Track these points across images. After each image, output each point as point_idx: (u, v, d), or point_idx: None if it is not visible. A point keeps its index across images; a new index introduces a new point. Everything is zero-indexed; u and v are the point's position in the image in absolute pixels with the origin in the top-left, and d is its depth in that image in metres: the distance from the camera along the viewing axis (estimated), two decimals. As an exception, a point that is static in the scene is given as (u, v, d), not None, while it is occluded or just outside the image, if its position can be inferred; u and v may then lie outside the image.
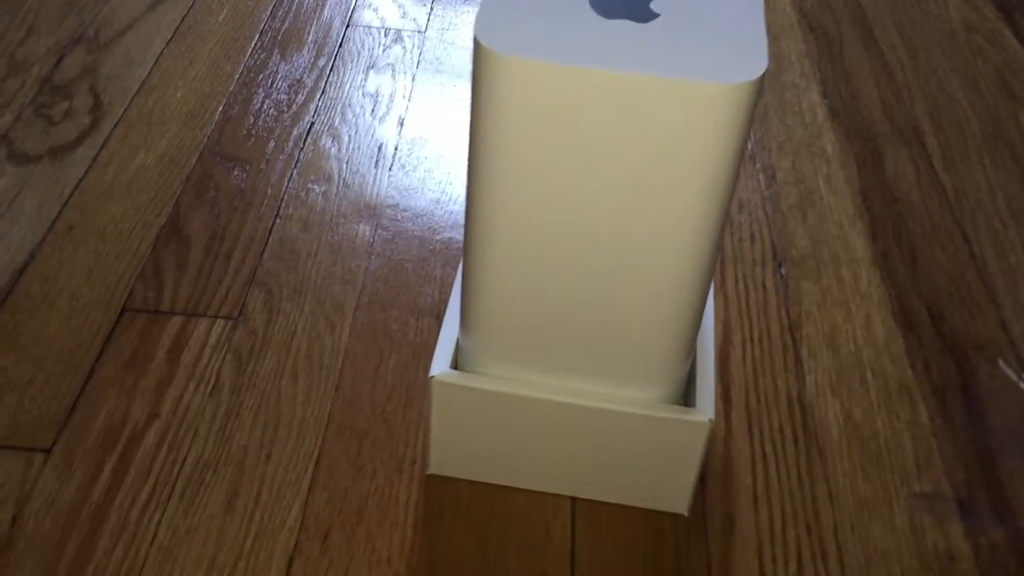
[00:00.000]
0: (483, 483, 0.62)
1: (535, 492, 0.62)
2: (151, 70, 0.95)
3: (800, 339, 0.74)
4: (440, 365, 0.58)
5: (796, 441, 0.67)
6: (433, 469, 0.62)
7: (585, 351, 0.56)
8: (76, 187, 0.81)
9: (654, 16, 0.47)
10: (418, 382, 0.68)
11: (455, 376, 0.58)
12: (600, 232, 0.51)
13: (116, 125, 0.88)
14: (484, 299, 0.55)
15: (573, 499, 0.62)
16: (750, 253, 0.82)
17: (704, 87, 0.44)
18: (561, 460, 0.60)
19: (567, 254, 0.51)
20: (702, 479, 0.64)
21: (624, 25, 0.46)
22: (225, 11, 1.04)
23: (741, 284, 0.79)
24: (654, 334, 0.54)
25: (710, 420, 0.56)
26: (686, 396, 0.60)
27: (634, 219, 0.50)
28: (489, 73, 0.46)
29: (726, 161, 0.47)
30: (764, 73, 0.45)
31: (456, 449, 0.61)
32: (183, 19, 1.02)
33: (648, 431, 0.57)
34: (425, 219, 0.82)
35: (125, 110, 0.90)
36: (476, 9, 1.08)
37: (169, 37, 1.00)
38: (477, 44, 0.46)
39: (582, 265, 0.52)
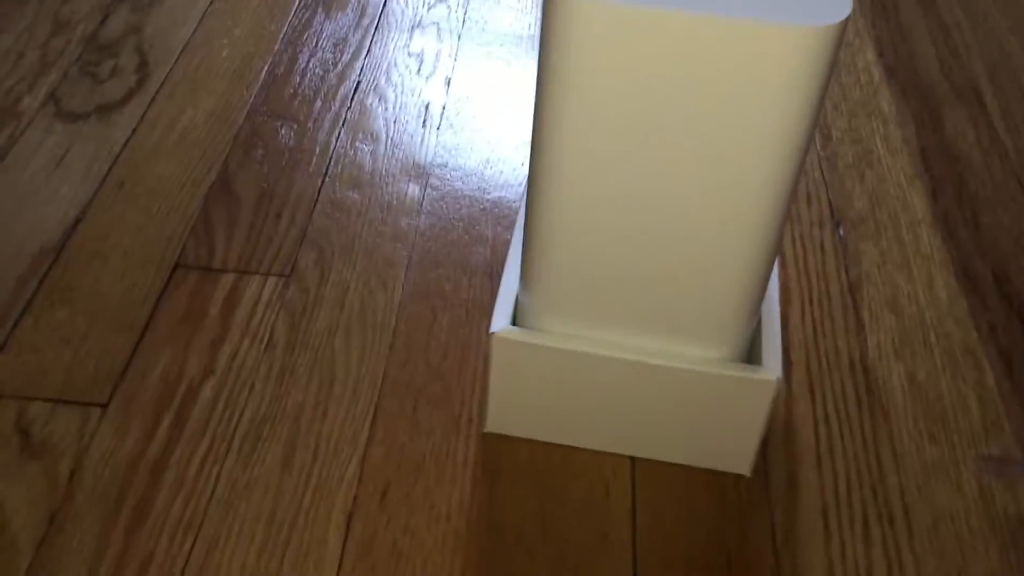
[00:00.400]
0: (541, 442, 0.62)
1: (594, 451, 0.61)
2: (195, 29, 0.94)
3: (861, 300, 0.73)
4: (500, 321, 0.57)
5: (859, 403, 0.65)
6: (490, 427, 0.62)
7: (649, 307, 0.55)
8: (125, 145, 0.81)
9: None
10: (472, 340, 0.68)
11: (516, 332, 0.57)
12: (672, 181, 0.49)
13: (163, 84, 0.87)
14: (546, 252, 0.54)
15: (633, 458, 0.61)
16: (807, 214, 0.80)
17: (788, 29, 0.43)
18: (622, 419, 0.59)
19: (636, 205, 0.50)
20: (764, 440, 0.63)
21: None
22: (268, -30, 1.03)
23: (799, 245, 0.77)
24: (723, 290, 0.53)
25: (778, 378, 0.55)
26: (750, 355, 0.58)
27: (709, 169, 0.48)
28: (564, 17, 0.44)
29: (808, 106, 0.45)
30: (849, 15, 0.43)
31: (514, 407, 0.60)
32: (226, -22, 1.01)
33: (713, 389, 0.56)
34: (474, 179, 0.81)
35: (171, 69, 0.89)
36: (521, -32, 1.06)
37: (212, -4, 0.99)
38: None
39: (651, 216, 0.50)
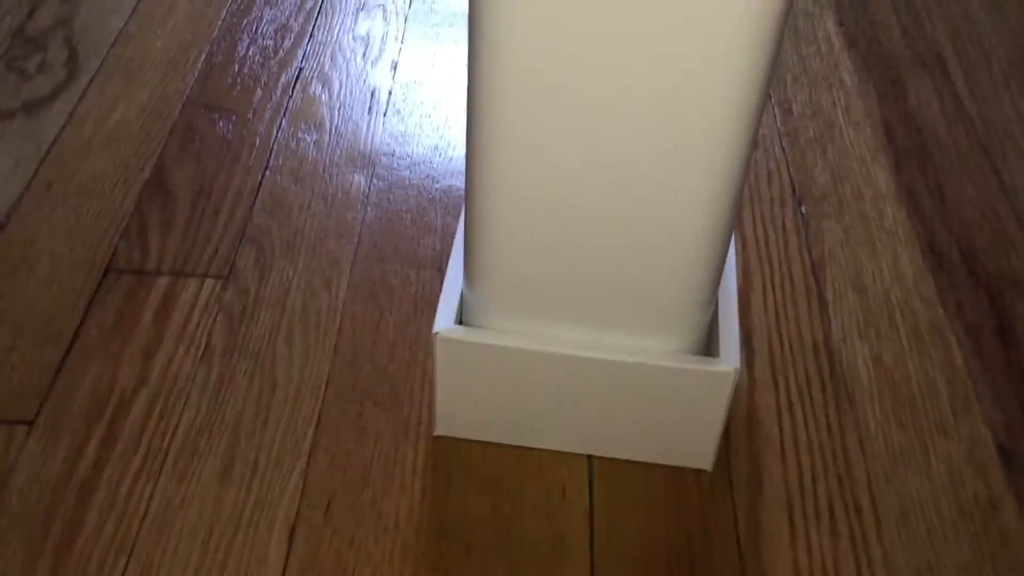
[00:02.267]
0: (495, 443, 0.59)
1: (549, 451, 0.59)
2: (129, 18, 0.90)
3: (824, 281, 0.70)
4: (444, 320, 0.54)
5: (824, 389, 0.63)
6: (440, 430, 0.59)
7: (599, 299, 0.52)
8: (53, 143, 0.77)
9: None
10: (421, 338, 0.65)
11: (460, 331, 0.54)
12: (617, 155, 0.45)
13: (93, 77, 0.83)
14: (489, 244, 0.51)
15: (590, 457, 0.59)
16: (768, 192, 0.77)
17: None
18: (576, 417, 0.57)
19: (579, 187, 0.47)
20: (725, 432, 0.60)
21: None
22: (205, -46, 0.99)
23: (760, 225, 0.74)
24: (675, 277, 0.50)
25: (735, 369, 0.53)
26: (708, 345, 0.56)
27: (656, 138, 0.44)
28: None
29: (760, 53, 0.41)
30: None
31: (464, 409, 0.57)
32: (161, -36, 0.97)
33: (669, 383, 0.53)
34: (423, 167, 0.77)
35: (102, 61, 0.85)
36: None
37: (147, -17, 0.94)
38: None
39: (596, 196, 0.47)
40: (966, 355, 0.66)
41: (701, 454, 0.57)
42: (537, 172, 0.47)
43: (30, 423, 0.58)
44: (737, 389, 0.63)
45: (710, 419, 0.55)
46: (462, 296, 0.56)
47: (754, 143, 0.46)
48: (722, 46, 0.41)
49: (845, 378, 0.64)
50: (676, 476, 0.58)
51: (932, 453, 0.60)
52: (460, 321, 0.56)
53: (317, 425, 0.59)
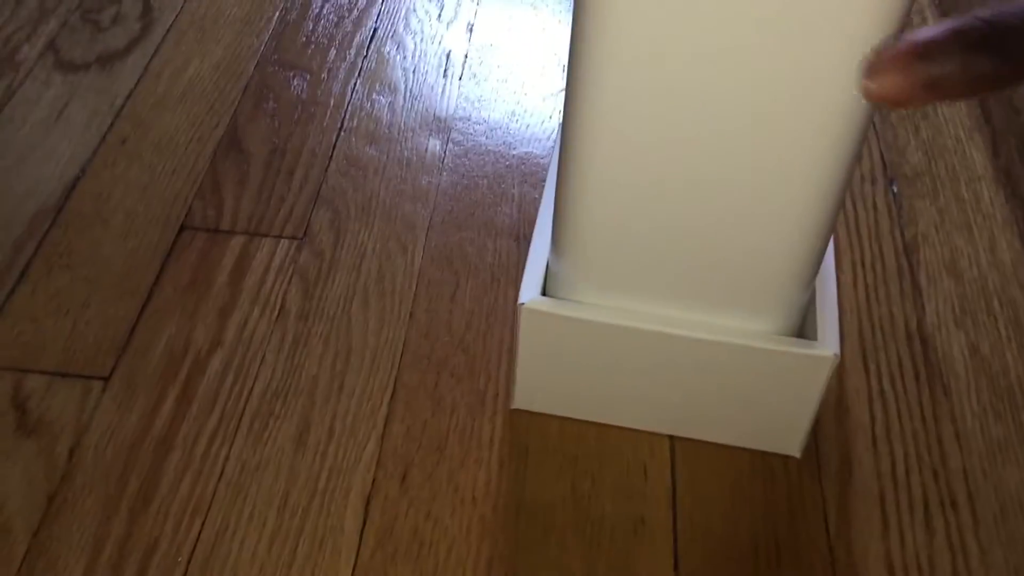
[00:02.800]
0: (573, 419, 0.57)
1: (631, 430, 0.57)
2: (203, -27, 0.88)
3: (917, 264, 0.67)
4: (530, 291, 0.53)
5: (918, 377, 0.60)
6: (518, 403, 0.57)
7: (693, 274, 0.50)
8: (128, 97, 0.76)
9: None
10: (497, 309, 0.63)
11: (546, 303, 0.52)
12: (724, 125, 0.43)
13: (168, 31, 0.82)
14: (580, 213, 0.48)
15: (672, 438, 0.57)
16: (857, 169, 0.74)
17: None
18: (661, 396, 0.55)
19: (681, 155, 0.44)
20: (815, 419, 0.58)
21: None
22: (279, -90, 0.97)
23: (849, 204, 0.71)
24: (776, 255, 0.48)
25: (835, 355, 0.50)
26: (803, 327, 0.53)
27: (766, 109, 0.42)
28: None
29: (888, 21, 0.39)
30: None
31: (545, 383, 0.56)
32: (235, -82, 0.95)
33: (763, 366, 0.51)
34: (499, 133, 0.75)
35: (177, 15, 0.84)
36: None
37: (220, -62, 0.93)
38: None
39: (695, 168, 0.45)
40: (1068, 347, 0.63)
41: (791, 440, 0.55)
42: (635, 141, 0.44)
43: (106, 379, 0.58)
44: (831, 377, 0.60)
45: (803, 405, 0.53)
46: (547, 267, 0.54)
47: (869, 123, 0.43)
48: (839, 34, 0.39)
49: (940, 367, 0.61)
50: (762, 461, 0.56)
51: (1030, 448, 0.57)
52: (544, 292, 0.54)
53: (393, 393, 0.58)
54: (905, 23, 0.40)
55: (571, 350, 0.53)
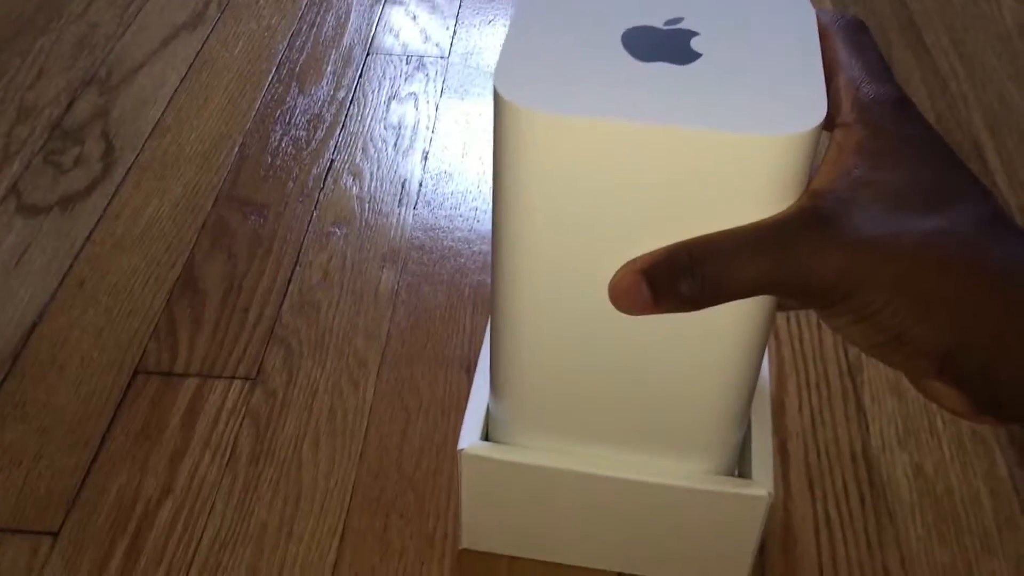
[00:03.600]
0: (523, 559, 0.57)
1: (580, 568, 0.57)
2: (165, 110, 0.91)
3: (861, 384, 0.68)
4: (470, 435, 0.54)
5: (863, 501, 0.61)
6: (466, 544, 0.58)
7: (628, 420, 0.51)
8: (87, 239, 0.78)
9: (695, 56, 0.42)
10: (447, 446, 0.64)
11: (485, 448, 0.53)
12: None
13: (128, 171, 0.84)
14: (514, 366, 0.50)
15: (620, 575, 0.57)
16: (802, 288, 0.76)
17: (755, 140, 0.39)
18: (605, 535, 0.55)
19: (604, 320, 0.46)
20: (761, 548, 0.58)
21: (662, 69, 0.41)
22: (241, 43, 1.01)
23: (793, 323, 0.73)
24: (705, 402, 0.49)
25: (769, 494, 0.51)
26: (741, 462, 0.54)
27: None
28: (512, 129, 0.41)
29: (791, 202, 0.41)
30: (822, 122, 0.39)
31: (490, 524, 0.56)
32: (197, 54, 0.99)
33: (698, 506, 0.52)
34: (452, 261, 0.77)
35: (138, 154, 0.86)
36: (501, 31, 1.04)
37: (184, 73, 0.96)
38: (497, 96, 0.41)
39: (622, 331, 0.47)
40: (1010, 464, 0.63)
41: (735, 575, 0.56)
42: (562, 304, 0.46)
43: (55, 534, 0.58)
44: (767, 514, 0.61)
45: (742, 542, 0.53)
46: (488, 410, 0.55)
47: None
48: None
49: (885, 489, 0.62)
50: (709, 596, 0.56)
51: (976, 572, 0.58)
52: (487, 435, 0.55)
53: (342, 538, 0.58)
54: None
55: (512, 492, 0.54)
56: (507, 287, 0.47)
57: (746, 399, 0.50)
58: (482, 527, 0.56)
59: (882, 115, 0.38)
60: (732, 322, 0.45)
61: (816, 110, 0.39)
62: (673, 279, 0.39)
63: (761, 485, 0.51)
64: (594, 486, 0.53)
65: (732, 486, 0.51)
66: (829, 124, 0.40)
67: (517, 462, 0.53)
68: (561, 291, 0.46)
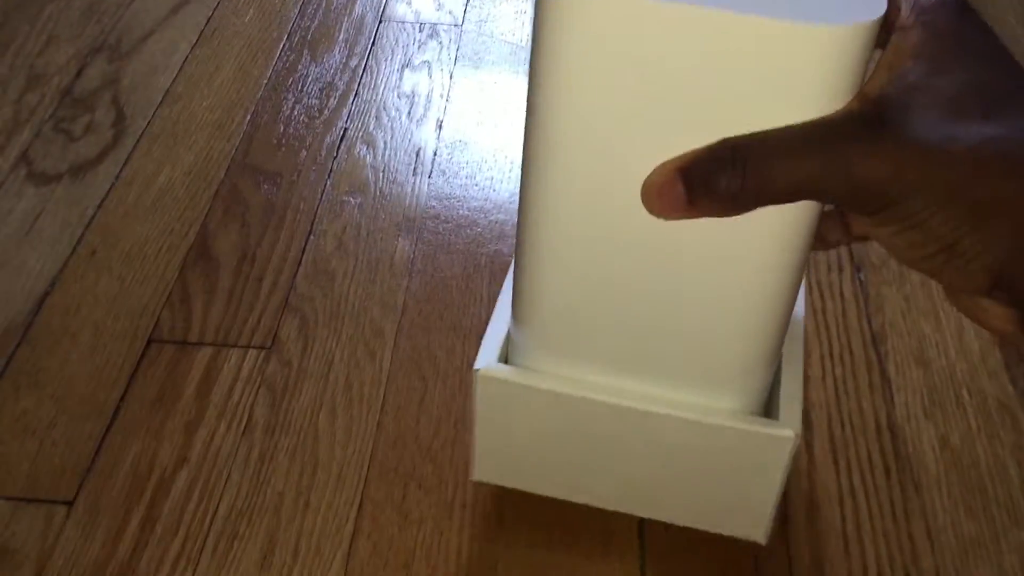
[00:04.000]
0: (542, 529, 0.57)
1: (598, 510, 0.55)
2: (175, 78, 0.90)
3: (885, 354, 0.67)
4: (487, 356, 0.51)
5: (888, 472, 0.60)
6: (478, 476, 0.55)
7: (653, 349, 0.48)
8: (99, 207, 0.77)
9: None
10: (466, 415, 0.63)
11: (503, 371, 0.51)
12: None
13: (139, 138, 0.83)
14: (538, 278, 0.47)
15: (642, 521, 0.56)
16: (824, 257, 0.75)
17: (812, 30, 0.37)
18: (625, 473, 0.53)
19: (636, 230, 0.44)
20: (785, 517, 0.58)
21: None
22: (252, 11, 0.99)
23: (816, 293, 0.72)
24: (735, 330, 0.47)
25: (796, 434, 0.49)
26: (768, 406, 0.52)
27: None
28: (553, 5, 0.39)
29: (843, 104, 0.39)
30: (882, 15, 0.37)
31: (504, 455, 0.54)
32: (208, 21, 0.97)
33: (722, 444, 0.50)
34: (469, 230, 0.76)
35: (149, 122, 0.85)
36: (515, -2, 1.02)
37: (194, 41, 0.95)
38: None
39: (654, 244, 0.44)
40: (1038, 436, 0.62)
41: (754, 525, 0.54)
42: (594, 210, 0.44)
43: (70, 503, 0.57)
44: (797, 470, 0.60)
45: (765, 488, 0.52)
46: (508, 335, 0.53)
47: (819, 211, 0.43)
48: None
49: (911, 461, 0.61)
50: (735, 555, 0.55)
51: (1004, 543, 0.57)
52: (506, 359, 0.53)
53: (360, 508, 0.58)
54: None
55: (528, 420, 0.52)
56: (536, 186, 0.44)
57: (778, 332, 0.48)
58: (496, 458, 0.54)
59: (941, 18, 0.36)
60: (769, 242, 0.43)
61: (877, 2, 0.37)
62: (712, 175, 0.36)
63: (787, 426, 0.50)
64: (610, 417, 0.50)
65: (757, 425, 0.49)
66: (887, 28, 0.38)
67: (534, 387, 0.50)
68: (592, 194, 0.43)
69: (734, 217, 0.38)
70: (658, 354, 0.48)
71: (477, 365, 0.51)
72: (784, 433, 0.49)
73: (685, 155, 0.39)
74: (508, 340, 0.52)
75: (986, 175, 0.33)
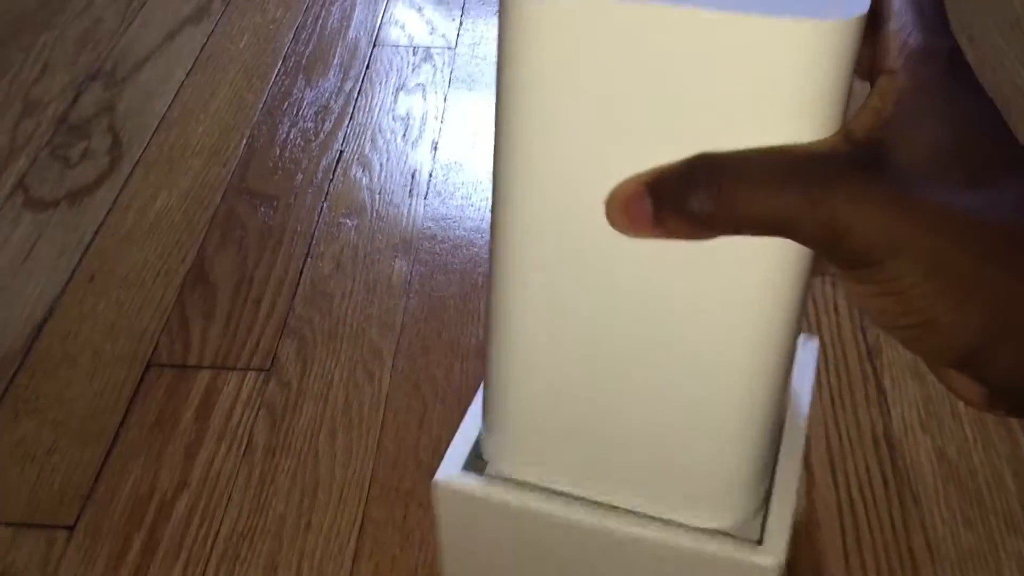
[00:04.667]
0: None
1: None
2: (171, 104, 0.91)
3: (881, 367, 0.68)
4: (450, 466, 0.46)
5: (886, 485, 0.60)
6: None
7: (628, 460, 0.42)
8: (96, 233, 0.77)
9: None
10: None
11: (465, 483, 0.44)
12: (642, 302, 0.39)
13: (136, 164, 0.84)
14: (509, 389, 0.43)
15: None
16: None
17: (788, 25, 0.33)
18: None
19: (606, 329, 0.39)
20: (785, 533, 0.58)
21: None
22: (247, 36, 1.00)
23: (811, 307, 0.72)
24: (712, 448, 0.40)
25: (780, 565, 0.43)
26: (760, 523, 0.46)
27: (692, 285, 0.38)
28: (516, 10, 0.35)
29: (826, 116, 0.35)
30: (866, 12, 0.34)
31: (471, 566, 0.50)
32: (203, 48, 0.98)
33: (698, 570, 0.45)
34: (465, 250, 0.77)
35: (145, 148, 0.85)
36: (507, 21, 1.03)
37: (189, 67, 0.95)
38: None
39: (625, 343, 0.40)
40: (1034, 446, 0.63)
41: None
42: (563, 311, 0.40)
43: (71, 528, 0.57)
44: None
45: None
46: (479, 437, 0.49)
47: (806, 295, 0.38)
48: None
49: (908, 473, 0.61)
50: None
51: (1002, 552, 0.57)
52: (474, 465, 0.48)
53: (361, 529, 0.58)
54: None
55: (490, 533, 0.46)
56: (506, 292, 0.40)
57: (761, 451, 0.40)
58: (463, 566, 0.50)
59: (929, 67, 0.35)
60: (753, 328, 0.37)
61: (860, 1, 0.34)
62: (683, 192, 0.33)
63: (770, 552, 0.41)
64: (580, 535, 0.45)
65: (735, 549, 0.41)
66: (864, 75, 0.36)
67: (495, 500, 0.43)
68: (563, 286, 0.38)
69: (719, 301, 0.35)
70: (639, 461, 0.41)
71: (438, 476, 0.43)
72: (764, 562, 0.41)
73: (657, 168, 0.34)
74: (481, 441, 0.46)
75: (968, 253, 0.31)
